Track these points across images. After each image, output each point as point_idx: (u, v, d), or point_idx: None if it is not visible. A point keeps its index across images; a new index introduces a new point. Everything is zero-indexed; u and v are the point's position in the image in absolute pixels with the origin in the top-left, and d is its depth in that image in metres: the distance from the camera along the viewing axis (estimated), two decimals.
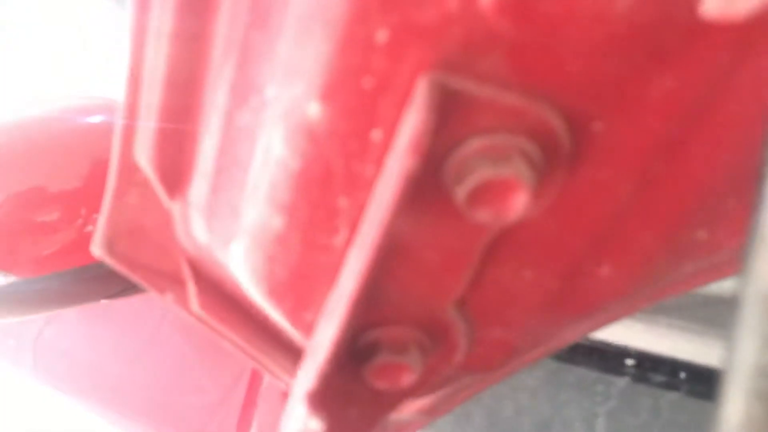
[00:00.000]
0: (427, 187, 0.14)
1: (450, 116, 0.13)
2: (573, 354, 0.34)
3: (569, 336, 0.21)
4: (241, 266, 0.18)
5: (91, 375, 0.89)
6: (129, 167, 0.18)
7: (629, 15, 0.12)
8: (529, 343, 0.19)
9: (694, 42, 0.12)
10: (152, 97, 0.16)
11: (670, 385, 0.33)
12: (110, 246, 0.19)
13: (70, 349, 0.94)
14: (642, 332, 0.33)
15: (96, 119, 0.67)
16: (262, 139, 0.15)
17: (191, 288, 0.21)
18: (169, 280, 0.21)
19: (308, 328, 0.18)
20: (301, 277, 0.17)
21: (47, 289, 0.59)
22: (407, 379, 0.17)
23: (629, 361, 0.34)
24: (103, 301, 0.65)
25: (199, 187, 0.18)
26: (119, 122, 0.17)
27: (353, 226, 0.16)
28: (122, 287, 0.63)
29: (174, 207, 0.19)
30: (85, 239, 0.60)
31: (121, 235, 0.19)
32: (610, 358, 0.34)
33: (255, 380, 0.74)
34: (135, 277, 0.20)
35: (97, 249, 0.19)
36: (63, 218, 0.60)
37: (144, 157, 0.17)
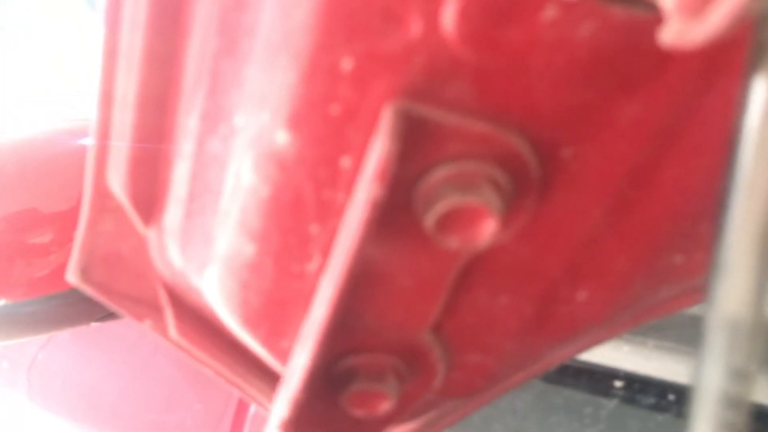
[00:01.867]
0: (396, 214, 0.13)
1: (416, 144, 0.13)
2: (561, 376, 0.34)
3: (551, 360, 0.21)
4: (216, 293, 0.18)
5: (85, 398, 0.88)
6: (102, 193, 0.18)
7: (592, 42, 0.12)
8: (508, 367, 0.19)
9: (659, 69, 0.12)
10: (124, 123, 0.16)
11: (660, 407, 0.33)
12: (85, 273, 0.19)
13: (65, 372, 0.94)
14: (630, 354, 0.32)
15: (88, 141, 0.67)
16: (232, 166, 0.15)
17: (168, 314, 0.20)
18: (146, 307, 0.20)
19: (284, 355, 0.18)
20: (275, 305, 0.17)
21: (39, 311, 0.58)
22: (384, 406, 0.17)
23: (618, 383, 0.34)
24: (94, 324, 0.65)
25: (173, 213, 0.18)
26: (91, 148, 0.17)
27: (326, 253, 0.15)
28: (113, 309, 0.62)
29: (149, 233, 0.19)
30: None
31: (96, 263, 0.19)
32: (598, 380, 0.34)
33: (243, 403, 0.74)
34: (112, 305, 0.20)
35: (71, 276, 0.19)
36: (55, 240, 0.59)
37: (117, 183, 0.17)
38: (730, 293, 0.10)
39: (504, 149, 0.13)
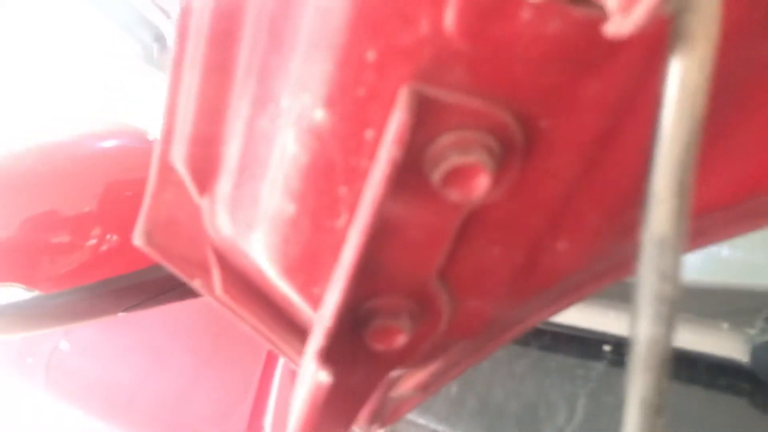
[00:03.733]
0: (409, 174, 0.17)
1: (425, 117, 0.16)
2: (555, 342, 0.37)
3: (541, 314, 0.25)
4: (261, 250, 0.21)
5: (103, 390, 0.92)
6: (166, 169, 0.21)
7: (559, 35, 0.15)
8: (503, 316, 0.23)
9: (611, 55, 0.16)
10: (187, 109, 0.20)
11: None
12: (148, 237, 0.23)
13: (83, 366, 0.97)
14: (616, 320, 0.36)
15: (110, 143, 0.71)
16: (278, 141, 0.19)
17: (216, 274, 0.24)
18: (197, 268, 0.24)
19: (317, 301, 0.22)
20: (310, 256, 0.21)
21: (69, 302, 0.62)
22: (400, 341, 0.21)
23: (606, 347, 0.37)
24: (121, 315, 0.69)
25: (224, 184, 0.21)
26: (161, 129, 0.21)
27: (352, 211, 0.19)
28: (137, 301, 0.66)
29: (203, 202, 0.22)
30: (101, 258, 0.64)
31: (158, 228, 0.23)
32: (588, 345, 0.37)
33: (262, 392, 0.77)
34: (168, 265, 0.24)
35: (137, 240, 0.23)
36: (76, 239, 0.63)
37: (179, 160, 0.21)
38: (658, 217, 0.14)
39: (494, 121, 0.17)
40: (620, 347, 0.37)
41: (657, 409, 0.15)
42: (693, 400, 0.33)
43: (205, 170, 0.21)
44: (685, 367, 0.35)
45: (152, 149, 0.61)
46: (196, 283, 0.24)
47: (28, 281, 0.62)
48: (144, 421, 0.89)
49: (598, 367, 0.36)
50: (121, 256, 0.64)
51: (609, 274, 0.23)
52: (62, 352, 1.03)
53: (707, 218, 0.21)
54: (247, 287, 0.25)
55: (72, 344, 1.03)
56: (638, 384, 0.15)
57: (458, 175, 0.17)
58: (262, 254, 0.21)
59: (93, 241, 0.65)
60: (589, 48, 0.16)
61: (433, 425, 0.35)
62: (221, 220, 0.23)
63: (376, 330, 0.20)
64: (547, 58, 0.16)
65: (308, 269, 0.21)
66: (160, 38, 0.85)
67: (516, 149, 0.17)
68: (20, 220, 0.62)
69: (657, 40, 0.16)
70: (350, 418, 0.23)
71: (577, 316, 0.36)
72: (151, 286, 0.64)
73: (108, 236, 0.65)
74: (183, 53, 0.20)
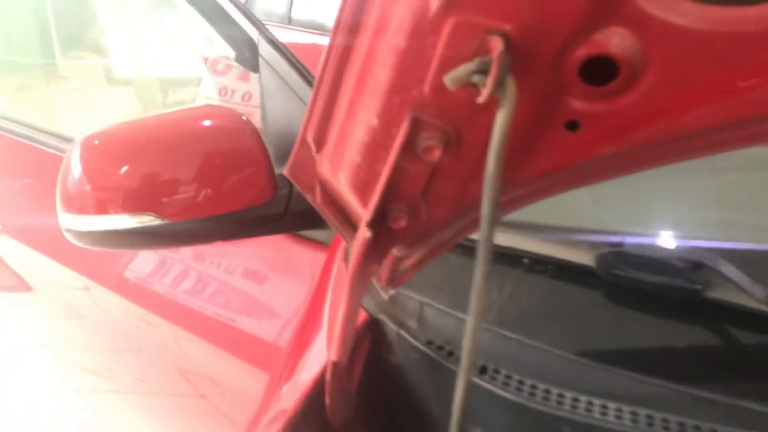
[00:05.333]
0: (408, 150, 0.43)
1: (416, 129, 0.42)
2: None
3: (468, 229, 0.50)
4: (343, 181, 0.47)
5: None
6: (305, 139, 0.48)
7: (469, 98, 0.41)
8: (451, 218, 0.48)
9: (485, 108, 0.41)
10: (317, 105, 0.46)
11: (531, 269, 0.62)
12: (291, 171, 0.49)
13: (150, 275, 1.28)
14: (528, 239, 0.60)
15: (209, 123, 0.97)
16: (357, 129, 0.44)
17: (318, 193, 0.50)
18: (309, 189, 0.50)
19: (366, 205, 0.47)
20: (365, 183, 0.46)
21: (182, 229, 0.88)
22: (402, 223, 0.46)
23: (525, 260, 0.62)
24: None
25: (329, 147, 0.47)
26: (306, 115, 0.47)
27: (384, 163, 0.45)
28: (230, 235, 0.93)
29: (317, 156, 0.48)
30: (198, 204, 0.90)
31: (295, 167, 0.49)
32: (511, 257, 0.62)
33: (312, 309, 1.02)
34: (297, 186, 0.50)
35: (287, 172, 0.49)
36: (183, 189, 0.88)
37: (309, 134, 0.47)
38: (488, 185, 0.39)
39: (445, 132, 0.42)
40: (534, 261, 0.62)
41: (487, 258, 0.40)
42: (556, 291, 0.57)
43: (320, 140, 0.47)
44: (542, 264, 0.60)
45: (242, 127, 0.93)
46: (308, 197, 0.51)
47: (157, 212, 0.87)
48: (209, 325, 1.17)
49: (518, 271, 0.61)
50: (212, 203, 0.88)
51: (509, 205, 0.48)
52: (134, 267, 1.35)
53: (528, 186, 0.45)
54: (332, 201, 0.51)
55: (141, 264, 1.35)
56: (481, 253, 0.40)
57: (427, 151, 0.42)
58: (343, 183, 0.47)
59: (192, 193, 0.89)
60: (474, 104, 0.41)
61: (417, 297, 0.61)
62: (325, 166, 0.49)
63: (392, 217, 0.46)
64: (463, 105, 0.41)
65: (363, 189, 0.47)
66: (252, 46, 1.12)
67: (452, 144, 0.42)
68: (143, 173, 0.87)
69: (495, 102, 0.40)
70: (375, 263, 0.49)
71: (507, 239, 0.62)
72: (238, 226, 0.90)
73: (204, 190, 0.90)
74: (324, 70, 0.45)
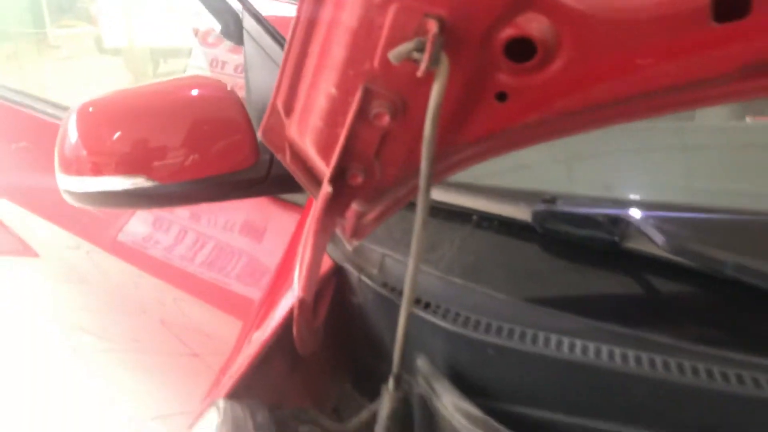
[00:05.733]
0: (362, 115, 0.50)
1: (368, 96, 0.49)
2: (449, 214, 0.70)
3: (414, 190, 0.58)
4: (308, 143, 0.55)
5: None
6: (275, 105, 0.55)
7: (412, 71, 0.48)
8: (402, 176, 0.55)
9: (424, 80, 0.48)
10: (285, 76, 0.53)
11: (479, 225, 0.69)
12: (264, 134, 0.56)
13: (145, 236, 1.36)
14: (477, 199, 0.68)
15: (196, 92, 1.03)
16: (320, 95, 0.52)
17: (288, 154, 0.58)
18: (280, 150, 0.58)
19: (328, 164, 0.55)
20: (327, 145, 0.54)
21: (172, 191, 0.94)
22: (359, 180, 0.54)
23: (474, 217, 0.70)
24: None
25: (296, 112, 0.54)
26: (276, 84, 0.54)
27: (342, 127, 0.52)
28: (216, 197, 1.00)
29: (287, 121, 0.56)
30: (185, 168, 0.96)
31: (268, 131, 0.56)
32: (463, 214, 0.70)
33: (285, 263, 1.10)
34: (270, 147, 0.57)
35: (260, 135, 0.56)
36: (172, 153, 0.94)
37: (279, 101, 0.54)
38: (425, 148, 0.46)
39: (392, 100, 0.49)
40: (481, 218, 0.70)
41: (425, 206, 0.47)
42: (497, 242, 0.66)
43: (288, 106, 0.55)
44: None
45: (227, 97, 1.01)
46: (279, 156, 0.58)
47: (148, 174, 0.93)
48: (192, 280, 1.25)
49: (467, 227, 0.69)
50: (199, 167, 0.94)
51: (449, 169, 0.55)
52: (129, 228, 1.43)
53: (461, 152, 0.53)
54: (300, 160, 0.58)
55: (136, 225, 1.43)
56: (420, 203, 0.47)
57: (378, 117, 0.49)
58: (309, 145, 0.55)
59: (180, 157, 0.95)
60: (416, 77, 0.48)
61: (379, 249, 0.69)
62: (293, 130, 0.56)
63: (350, 175, 0.54)
64: (407, 78, 0.48)
65: (325, 150, 0.54)
66: (237, 19, 1.18)
67: (399, 111, 0.50)
68: (135, 139, 0.93)
69: (433, 76, 0.48)
70: (338, 215, 0.57)
71: (458, 198, 0.70)
72: (223, 188, 0.97)
73: (191, 155, 0.96)
74: (291, 44, 0.53)
